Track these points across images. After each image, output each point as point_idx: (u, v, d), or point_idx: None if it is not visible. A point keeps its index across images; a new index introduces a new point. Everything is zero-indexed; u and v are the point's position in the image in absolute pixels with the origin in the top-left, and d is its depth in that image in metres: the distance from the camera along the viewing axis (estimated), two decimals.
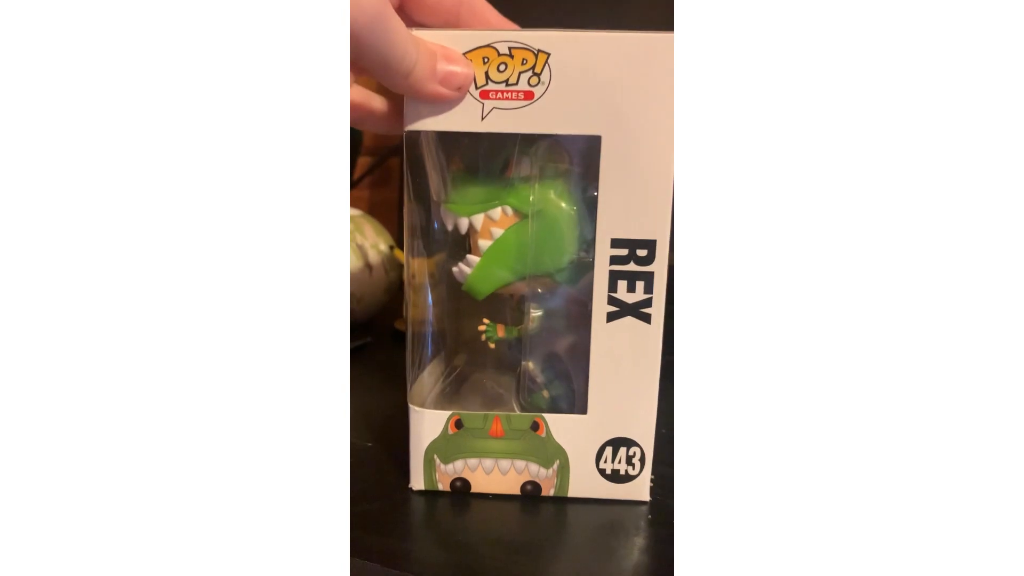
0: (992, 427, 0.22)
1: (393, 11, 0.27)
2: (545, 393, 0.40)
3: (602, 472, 0.36)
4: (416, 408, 0.37)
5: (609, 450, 0.36)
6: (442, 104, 0.32)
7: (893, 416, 0.22)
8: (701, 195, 0.23)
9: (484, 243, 0.36)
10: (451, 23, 0.33)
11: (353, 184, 0.83)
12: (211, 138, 0.23)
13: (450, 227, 0.37)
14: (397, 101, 0.33)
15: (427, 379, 0.42)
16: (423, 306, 0.39)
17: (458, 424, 0.36)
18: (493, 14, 0.34)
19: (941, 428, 0.22)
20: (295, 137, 0.23)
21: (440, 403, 0.39)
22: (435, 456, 0.37)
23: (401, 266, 0.61)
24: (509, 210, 0.36)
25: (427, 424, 0.37)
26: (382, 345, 0.59)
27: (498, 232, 0.36)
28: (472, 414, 0.36)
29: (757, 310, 0.23)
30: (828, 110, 0.22)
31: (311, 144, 0.23)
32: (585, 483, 0.37)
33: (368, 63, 0.28)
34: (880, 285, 0.22)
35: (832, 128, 0.22)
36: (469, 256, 0.37)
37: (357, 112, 0.34)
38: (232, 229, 0.23)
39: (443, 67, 0.30)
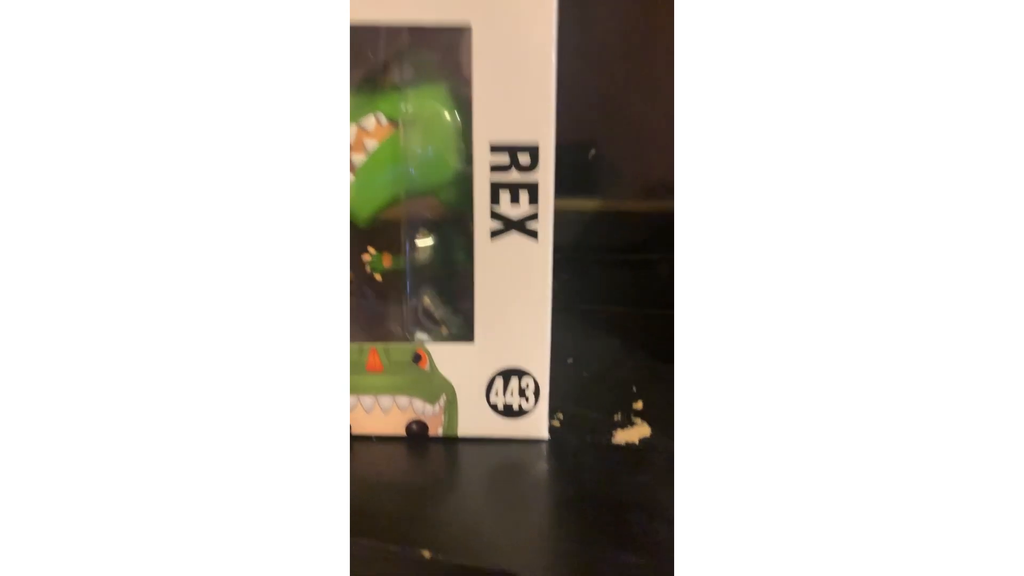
0: (992, 424, 0.21)
1: None
2: (444, 330, 0.37)
3: (494, 407, 0.33)
4: None
5: (500, 381, 0.33)
6: None
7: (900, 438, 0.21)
8: (701, 191, 0.22)
9: (358, 158, 0.33)
10: None
11: None
12: (209, 136, 0.22)
13: None
14: None
15: None
16: None
17: None
18: None
19: (937, 411, 0.21)
20: (293, 132, 0.22)
21: None
22: None
23: None
24: (384, 119, 0.32)
25: None
26: None
27: (374, 145, 0.32)
28: None
29: (757, 304, 0.22)
30: (828, 106, 0.21)
31: (309, 136, 0.22)
32: (476, 420, 0.33)
33: None
34: (881, 292, 0.21)
35: (832, 126, 0.21)
36: None
37: None
38: (232, 227, 0.22)
39: None
